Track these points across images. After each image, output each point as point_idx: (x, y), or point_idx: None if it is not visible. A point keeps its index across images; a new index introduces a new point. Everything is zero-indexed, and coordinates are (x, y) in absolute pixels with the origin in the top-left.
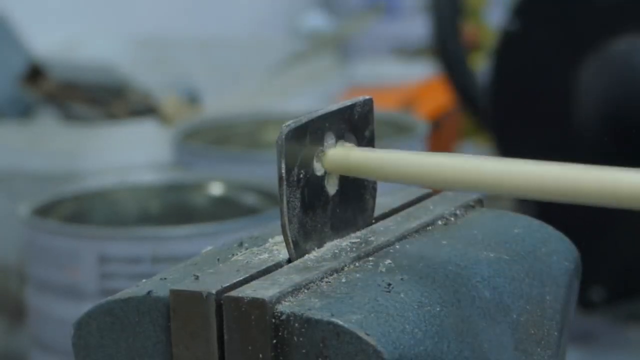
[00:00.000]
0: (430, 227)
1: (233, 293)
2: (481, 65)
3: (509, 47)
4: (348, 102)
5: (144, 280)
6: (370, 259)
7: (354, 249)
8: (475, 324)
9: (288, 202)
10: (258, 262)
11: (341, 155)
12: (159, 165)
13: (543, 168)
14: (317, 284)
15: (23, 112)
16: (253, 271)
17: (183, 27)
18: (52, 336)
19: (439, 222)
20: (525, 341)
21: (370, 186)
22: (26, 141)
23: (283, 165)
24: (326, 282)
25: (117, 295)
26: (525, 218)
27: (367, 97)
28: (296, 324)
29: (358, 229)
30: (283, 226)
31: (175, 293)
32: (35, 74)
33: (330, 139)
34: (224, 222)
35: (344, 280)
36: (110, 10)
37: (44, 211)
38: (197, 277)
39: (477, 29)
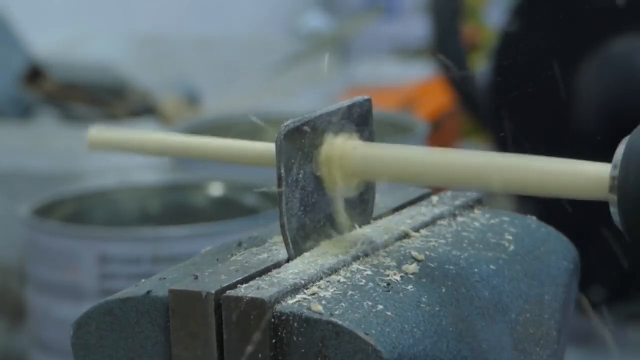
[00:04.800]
0: (429, 227)
1: (232, 293)
2: (480, 66)
3: (508, 47)
4: (347, 102)
5: (143, 280)
6: (369, 258)
7: (354, 248)
8: (474, 323)
9: (287, 201)
10: (257, 262)
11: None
12: (159, 165)
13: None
14: (316, 284)
15: (23, 112)
16: (252, 271)
17: (183, 27)
18: (52, 336)
19: (438, 222)
20: (524, 340)
21: (369, 185)
22: (26, 141)
23: (282, 165)
24: (325, 281)
25: (116, 295)
26: (524, 218)
27: (366, 97)
28: (295, 324)
29: (357, 228)
30: (282, 226)
31: (174, 293)
32: (35, 74)
33: (329, 138)
34: (223, 223)
35: (343, 279)
36: (109, 10)
37: (44, 211)
38: (196, 277)
39: (477, 29)
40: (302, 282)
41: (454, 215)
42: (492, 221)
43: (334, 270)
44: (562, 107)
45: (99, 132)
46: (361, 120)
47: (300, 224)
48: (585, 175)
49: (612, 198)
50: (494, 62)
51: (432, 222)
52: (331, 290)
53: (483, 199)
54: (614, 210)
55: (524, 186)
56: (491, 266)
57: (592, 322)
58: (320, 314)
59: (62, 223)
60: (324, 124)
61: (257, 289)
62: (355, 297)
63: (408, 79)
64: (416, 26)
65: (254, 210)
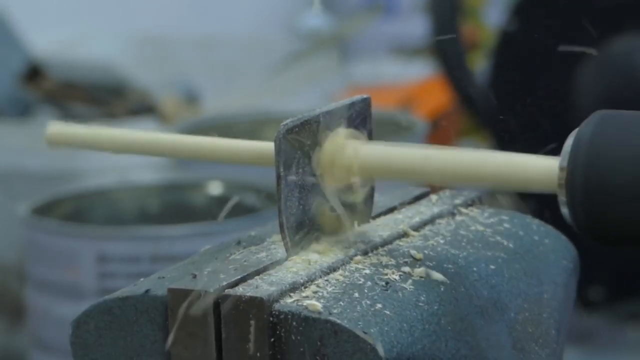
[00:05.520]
0: (428, 226)
1: (231, 292)
2: (480, 65)
3: (508, 46)
4: (346, 101)
5: (141, 279)
6: (368, 257)
7: (352, 247)
8: (473, 322)
9: (286, 200)
10: (256, 261)
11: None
12: (158, 164)
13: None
14: (314, 283)
15: (22, 111)
16: (251, 270)
17: (182, 26)
18: (51, 335)
19: (437, 221)
20: (523, 339)
21: (368, 184)
22: (25, 140)
23: (281, 164)
24: (324, 280)
25: (115, 294)
26: (523, 216)
27: (365, 96)
28: (294, 323)
29: (356, 228)
30: (281, 225)
31: (173, 292)
32: (34, 73)
33: (328, 137)
34: (222, 222)
35: (341, 278)
36: (109, 9)
37: (44, 211)
38: (195, 276)
39: (476, 28)
40: (301, 281)
41: (453, 214)
42: (491, 220)
43: (332, 269)
44: (561, 106)
45: (59, 128)
46: (360, 119)
47: (299, 223)
48: (537, 168)
49: (561, 189)
50: (493, 61)
51: (431, 221)
52: (330, 289)
53: (482, 198)
54: (562, 201)
55: (477, 180)
56: (490, 265)
57: (591, 321)
58: (319, 312)
59: (61, 222)
60: (323, 123)
61: (256, 287)
62: (354, 296)
63: (407, 78)
64: (415, 26)
65: (253, 210)
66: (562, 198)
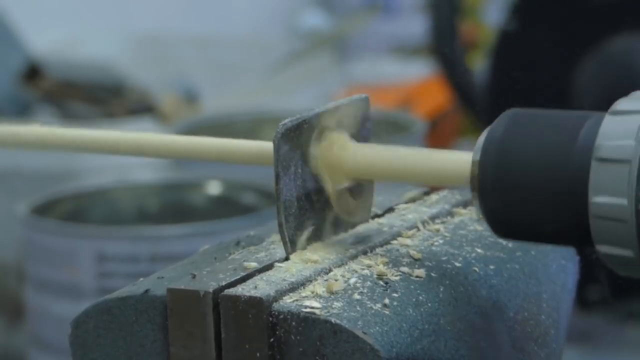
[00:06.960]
0: (427, 225)
1: (230, 292)
2: (479, 64)
3: (507, 46)
4: (345, 101)
5: (141, 279)
6: (368, 257)
7: (351, 247)
8: (472, 322)
9: (284, 200)
10: (255, 261)
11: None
12: (157, 164)
13: None
14: (314, 283)
15: (22, 110)
16: (250, 270)
17: (181, 25)
18: (50, 334)
19: (436, 221)
20: (522, 339)
21: (367, 184)
22: None
23: (279, 164)
24: (323, 280)
25: (115, 294)
26: None
27: (364, 95)
28: (293, 322)
29: (355, 227)
30: (280, 224)
31: (172, 292)
32: (33, 72)
33: (327, 137)
34: (221, 221)
35: (341, 278)
36: (108, 9)
37: (43, 210)
38: (194, 276)
39: (475, 27)
40: (300, 280)
41: (452, 214)
42: None
43: (331, 269)
44: (559, 105)
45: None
46: (359, 118)
47: (297, 223)
48: (451, 163)
49: (473, 184)
50: (492, 61)
51: (431, 220)
52: (329, 289)
53: None
54: (474, 195)
55: (394, 175)
56: (489, 265)
57: (591, 321)
58: (318, 312)
59: (60, 222)
60: (321, 122)
61: (255, 287)
62: (353, 296)
63: (406, 77)
64: (414, 25)
65: (252, 209)
66: (474, 192)
